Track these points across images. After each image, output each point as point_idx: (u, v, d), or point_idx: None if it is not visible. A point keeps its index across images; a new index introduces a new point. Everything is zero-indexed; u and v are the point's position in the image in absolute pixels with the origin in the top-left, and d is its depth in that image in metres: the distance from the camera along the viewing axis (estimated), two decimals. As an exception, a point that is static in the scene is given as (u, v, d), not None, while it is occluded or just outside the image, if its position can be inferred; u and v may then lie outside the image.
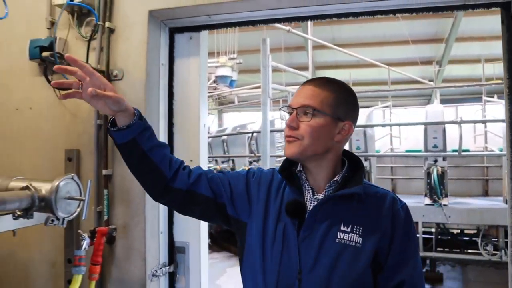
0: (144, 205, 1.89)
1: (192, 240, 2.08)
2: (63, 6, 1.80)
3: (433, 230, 7.10)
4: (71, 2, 1.75)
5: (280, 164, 1.42)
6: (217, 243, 7.76)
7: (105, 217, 1.90)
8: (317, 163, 1.32)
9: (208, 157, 2.48)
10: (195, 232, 2.08)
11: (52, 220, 1.49)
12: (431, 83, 10.46)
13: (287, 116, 1.31)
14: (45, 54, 1.75)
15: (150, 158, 1.31)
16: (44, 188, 1.49)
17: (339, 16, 1.91)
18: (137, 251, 1.90)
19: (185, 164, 1.42)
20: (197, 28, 2.04)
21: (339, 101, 1.30)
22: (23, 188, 1.47)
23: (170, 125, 2.06)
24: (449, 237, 7.44)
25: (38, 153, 2.04)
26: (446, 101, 11.23)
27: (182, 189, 1.36)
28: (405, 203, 1.32)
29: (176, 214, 2.07)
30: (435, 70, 10.39)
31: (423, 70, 12.09)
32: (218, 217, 1.43)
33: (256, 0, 1.80)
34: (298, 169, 1.37)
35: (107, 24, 1.89)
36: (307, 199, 1.32)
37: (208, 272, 2.23)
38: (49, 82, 1.84)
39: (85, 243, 1.74)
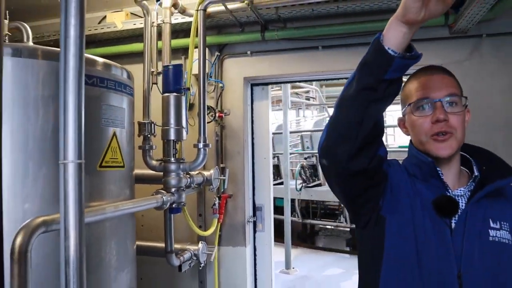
0: (243, 183, 3.48)
1: (265, 203, 3.68)
2: (207, 77, 3.35)
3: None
4: (212, 79, 3.33)
5: None
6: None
7: (222, 189, 3.47)
8: (453, 156, 1.22)
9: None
10: (267, 198, 3.67)
11: (212, 189, 3.07)
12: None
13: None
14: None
15: (383, 107, 1.09)
16: (207, 173, 3.05)
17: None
18: (240, 208, 3.49)
19: None
20: (266, 84, 3.63)
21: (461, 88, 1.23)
22: (198, 174, 3.03)
23: (253, 138, 3.65)
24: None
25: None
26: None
27: (382, 157, 1.19)
28: None
29: (257, 187, 3.65)
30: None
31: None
32: (370, 203, 1.23)
33: (295, 74, 3.39)
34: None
35: (219, 84, 3.46)
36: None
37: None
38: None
39: (216, 203, 3.32)
